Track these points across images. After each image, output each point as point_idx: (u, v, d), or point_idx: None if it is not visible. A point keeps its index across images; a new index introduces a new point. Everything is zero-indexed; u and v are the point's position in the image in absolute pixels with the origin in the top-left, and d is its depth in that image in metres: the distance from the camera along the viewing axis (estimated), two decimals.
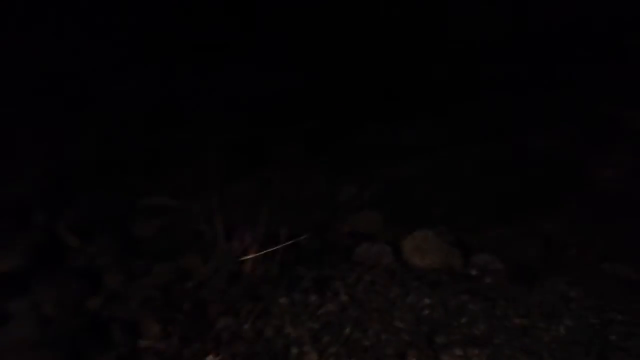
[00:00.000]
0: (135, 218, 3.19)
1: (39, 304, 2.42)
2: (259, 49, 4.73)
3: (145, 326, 2.30)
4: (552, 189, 3.35)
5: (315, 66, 4.67)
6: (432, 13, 5.03)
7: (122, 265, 2.76)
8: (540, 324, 2.26)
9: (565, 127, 4.10)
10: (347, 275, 2.61)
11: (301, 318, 2.32)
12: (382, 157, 3.75)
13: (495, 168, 3.57)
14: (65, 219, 3.06)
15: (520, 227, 2.99)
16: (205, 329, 2.29)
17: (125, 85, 4.29)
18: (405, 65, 4.76)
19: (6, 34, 4.04)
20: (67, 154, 3.67)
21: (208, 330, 2.28)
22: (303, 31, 4.76)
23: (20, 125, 3.67)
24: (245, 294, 2.43)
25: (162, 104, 4.43)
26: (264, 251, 2.49)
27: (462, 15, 5.02)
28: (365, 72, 4.66)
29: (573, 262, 2.70)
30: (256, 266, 2.55)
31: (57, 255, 2.83)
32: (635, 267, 2.61)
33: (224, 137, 3.94)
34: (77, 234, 2.96)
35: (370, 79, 4.59)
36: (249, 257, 2.50)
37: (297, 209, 3.17)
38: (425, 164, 3.66)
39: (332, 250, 2.81)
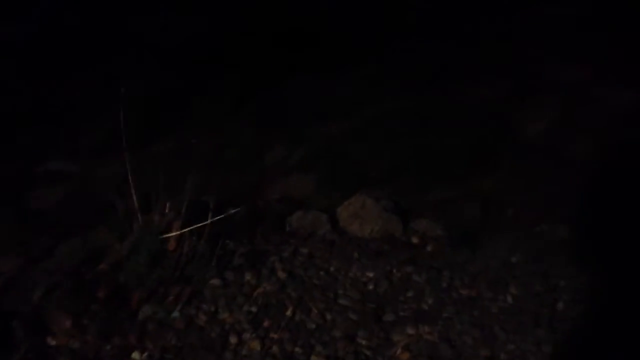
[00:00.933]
0: (30, 187, 2.76)
1: None
2: None
3: (52, 320, 1.97)
4: (485, 146, 3.28)
5: (225, 11, 4.28)
6: None
7: (18, 246, 2.37)
8: (487, 293, 2.19)
9: (494, 79, 4.05)
10: (282, 248, 2.40)
11: (237, 301, 2.09)
12: (310, 114, 3.51)
13: (427, 124, 3.45)
14: None
15: (456, 188, 2.90)
16: (126, 319, 2.00)
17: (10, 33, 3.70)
18: (328, 12, 4.49)
19: None
20: None
21: (130, 321, 1.99)
22: None
23: None
24: (170, 275, 2.15)
25: (55, 51, 3.88)
26: (192, 227, 2.20)
27: None
28: (284, 19, 4.35)
29: (511, 224, 2.65)
30: (180, 242, 2.26)
31: None
32: (570, 226, 2.60)
33: (130, 91, 3.50)
34: None
35: (289, 27, 4.28)
36: (173, 233, 2.21)
37: (221, 173, 2.88)
38: (355, 121, 3.47)
39: (263, 220, 2.58)
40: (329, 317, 2.06)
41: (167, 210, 2.36)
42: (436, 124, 3.32)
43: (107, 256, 2.28)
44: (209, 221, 2.22)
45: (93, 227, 2.44)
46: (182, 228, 2.24)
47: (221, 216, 2.25)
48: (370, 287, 2.22)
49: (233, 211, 2.32)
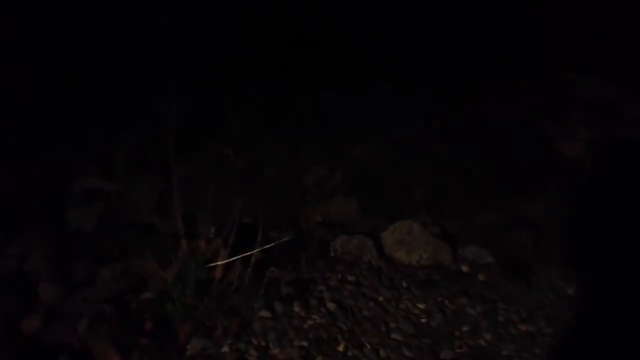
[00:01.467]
0: (67, 206, 2.69)
1: None
2: None
3: (100, 354, 1.91)
4: (523, 168, 3.20)
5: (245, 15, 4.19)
6: None
7: (58, 270, 2.30)
8: (547, 329, 2.11)
9: (521, 93, 3.96)
10: (328, 276, 2.33)
11: (287, 335, 2.02)
12: (343, 131, 3.42)
13: (461, 143, 3.36)
14: None
15: (501, 212, 2.82)
16: (175, 354, 1.93)
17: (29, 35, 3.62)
18: (358, 23, 4.41)
19: None
20: None
21: (179, 356, 1.93)
22: None
23: None
24: (217, 306, 2.09)
25: (75, 58, 3.76)
26: (240, 255, 2.13)
27: None
28: (305, 27, 4.26)
29: (562, 252, 2.57)
30: (227, 271, 2.20)
31: None
32: (617, 255, 2.52)
33: (158, 101, 3.42)
34: None
35: (318, 38, 4.19)
36: (220, 262, 2.14)
37: (261, 194, 2.81)
38: (389, 140, 3.38)
39: (307, 244, 2.51)
40: (382, 353, 1.99)
41: (212, 236, 2.30)
42: (467, 143, 3.22)
43: (151, 284, 2.21)
44: (257, 250, 2.15)
45: (133, 251, 2.38)
46: (229, 255, 2.17)
47: (270, 245, 2.18)
48: (423, 320, 2.14)
49: (283, 240, 2.24)
